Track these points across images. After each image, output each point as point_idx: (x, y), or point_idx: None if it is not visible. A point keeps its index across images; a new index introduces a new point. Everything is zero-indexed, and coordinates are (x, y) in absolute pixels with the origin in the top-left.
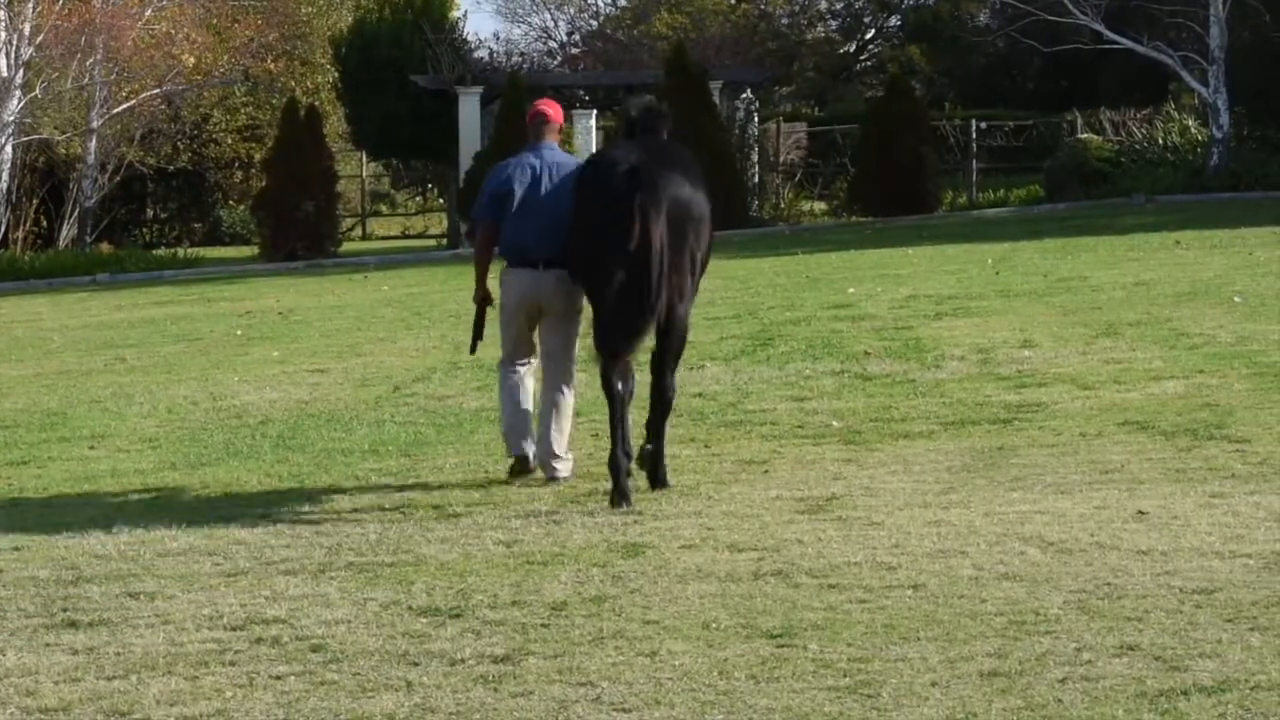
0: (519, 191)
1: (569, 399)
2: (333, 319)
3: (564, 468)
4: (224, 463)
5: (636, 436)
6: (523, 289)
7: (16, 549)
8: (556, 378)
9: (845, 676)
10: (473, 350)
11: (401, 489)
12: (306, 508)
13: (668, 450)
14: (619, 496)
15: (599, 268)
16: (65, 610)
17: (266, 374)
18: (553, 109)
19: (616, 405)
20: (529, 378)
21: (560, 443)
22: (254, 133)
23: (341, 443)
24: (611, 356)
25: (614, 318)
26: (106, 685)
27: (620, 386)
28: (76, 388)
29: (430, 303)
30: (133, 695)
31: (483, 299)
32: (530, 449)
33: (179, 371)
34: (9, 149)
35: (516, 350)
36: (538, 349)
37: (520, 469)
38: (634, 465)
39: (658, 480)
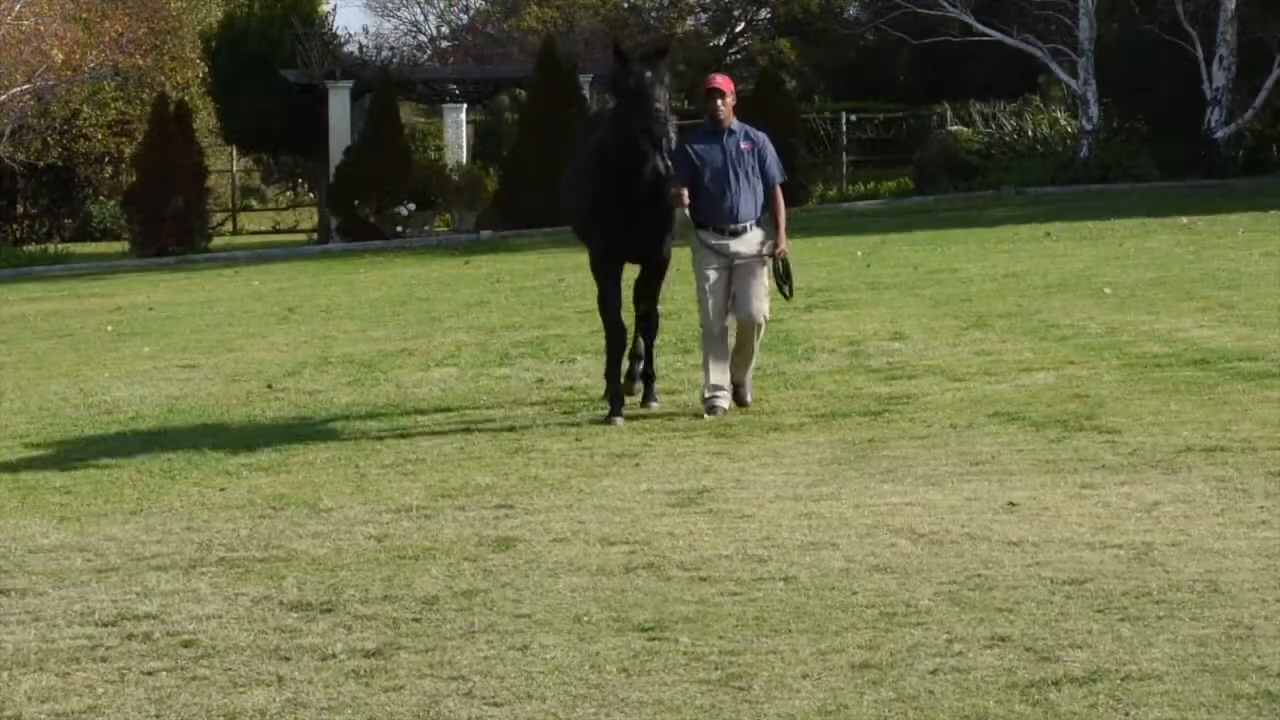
0: None
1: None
2: (203, 314)
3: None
4: (95, 459)
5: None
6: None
7: None
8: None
9: (716, 669)
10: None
11: (273, 484)
12: (178, 503)
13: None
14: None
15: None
16: None
17: (138, 370)
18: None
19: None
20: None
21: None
22: (124, 128)
23: (213, 438)
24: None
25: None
26: None
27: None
28: None
29: (301, 298)
30: (4, 692)
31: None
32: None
33: (49, 368)
34: None
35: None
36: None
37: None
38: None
39: (648, 397)
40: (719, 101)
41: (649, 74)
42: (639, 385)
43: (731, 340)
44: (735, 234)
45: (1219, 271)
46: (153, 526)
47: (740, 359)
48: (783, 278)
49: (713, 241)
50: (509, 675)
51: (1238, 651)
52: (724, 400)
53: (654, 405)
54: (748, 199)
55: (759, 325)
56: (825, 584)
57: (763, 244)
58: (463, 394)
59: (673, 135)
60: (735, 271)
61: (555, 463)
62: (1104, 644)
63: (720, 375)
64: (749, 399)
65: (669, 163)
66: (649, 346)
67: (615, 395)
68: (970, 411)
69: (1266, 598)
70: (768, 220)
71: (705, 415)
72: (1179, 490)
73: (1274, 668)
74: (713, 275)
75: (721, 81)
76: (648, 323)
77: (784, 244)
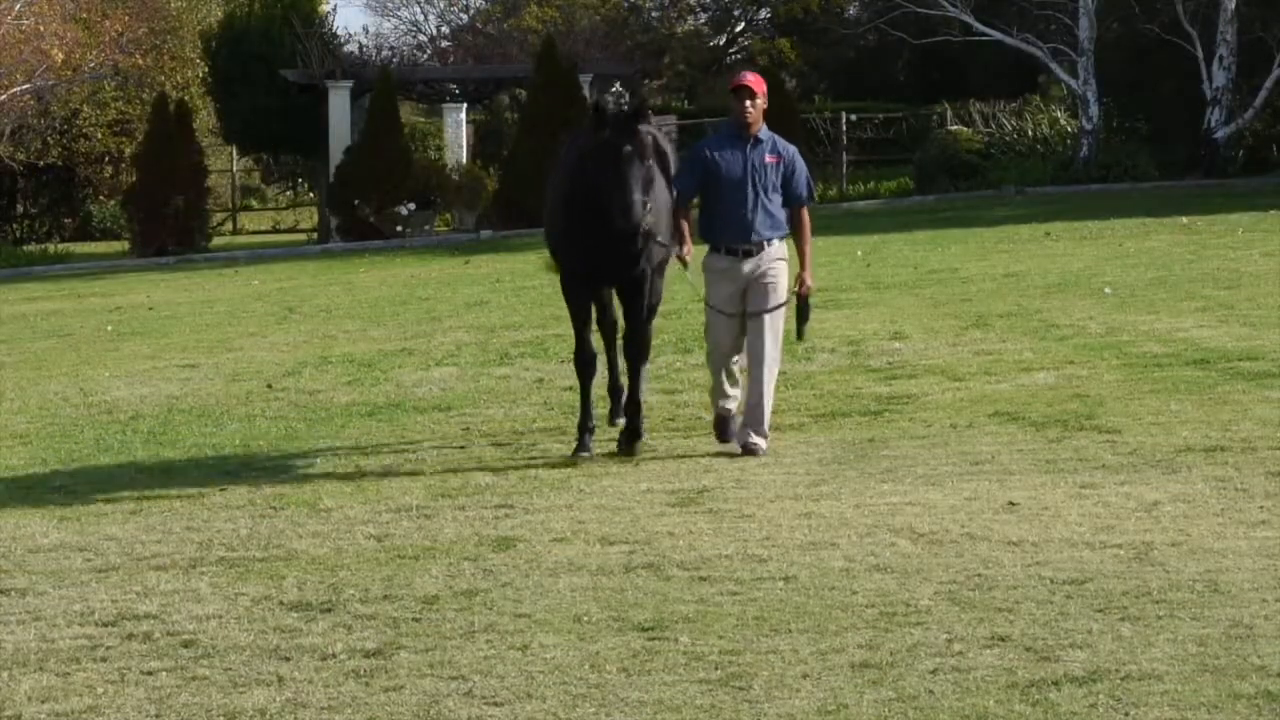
0: None
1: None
2: (203, 314)
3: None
4: (95, 459)
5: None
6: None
7: None
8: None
9: (716, 669)
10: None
11: (273, 484)
12: (178, 503)
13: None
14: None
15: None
16: None
17: (137, 369)
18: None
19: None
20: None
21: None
22: (124, 127)
23: (212, 438)
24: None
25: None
26: None
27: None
28: None
29: (301, 297)
30: (4, 692)
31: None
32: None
33: (50, 368)
34: None
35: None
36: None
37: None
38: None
39: (631, 435)
40: (748, 102)
41: (628, 148)
42: (621, 420)
43: (742, 380)
44: (748, 254)
45: (1219, 271)
46: (153, 526)
47: (753, 393)
48: (801, 318)
49: (722, 266)
50: (509, 675)
51: (1238, 651)
52: (738, 426)
53: (637, 444)
54: (764, 217)
55: (772, 372)
56: (825, 584)
57: (782, 271)
58: (463, 394)
59: (651, 220)
60: (750, 319)
61: (555, 463)
62: (1104, 644)
63: (730, 403)
64: (762, 443)
65: (653, 228)
66: (633, 370)
67: (583, 426)
68: (970, 411)
69: (1266, 598)
70: (786, 240)
71: (743, 452)
72: (1179, 490)
73: (1274, 668)
74: (721, 304)
75: (753, 80)
76: (630, 346)
77: (810, 280)
